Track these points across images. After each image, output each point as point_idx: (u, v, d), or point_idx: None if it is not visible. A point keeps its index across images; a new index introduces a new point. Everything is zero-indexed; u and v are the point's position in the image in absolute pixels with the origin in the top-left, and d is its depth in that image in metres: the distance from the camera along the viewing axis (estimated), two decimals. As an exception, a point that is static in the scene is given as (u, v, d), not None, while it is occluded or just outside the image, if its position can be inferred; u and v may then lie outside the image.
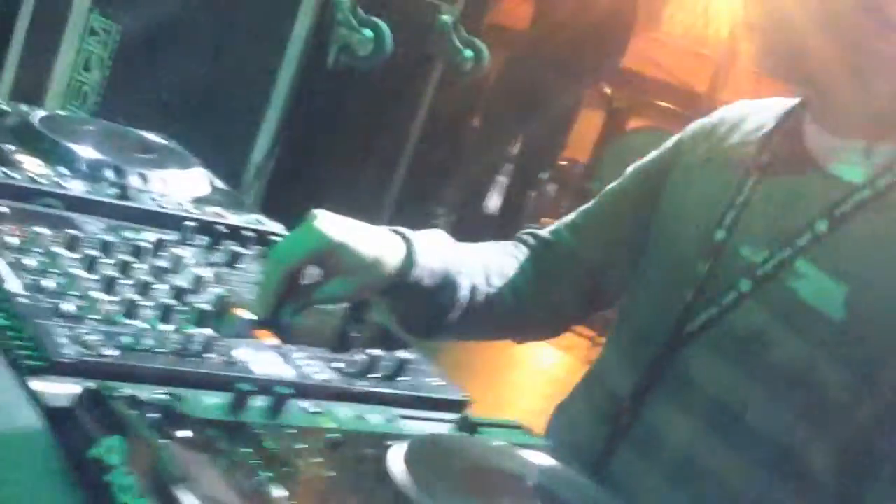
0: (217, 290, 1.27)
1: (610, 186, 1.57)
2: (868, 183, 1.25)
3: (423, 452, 0.99)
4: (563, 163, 5.77)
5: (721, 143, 1.44)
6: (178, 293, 1.22)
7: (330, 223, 1.27)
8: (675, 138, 1.53)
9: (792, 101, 1.42)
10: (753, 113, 1.45)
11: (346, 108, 2.81)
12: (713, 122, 1.48)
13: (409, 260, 1.32)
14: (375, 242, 1.31)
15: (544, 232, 1.57)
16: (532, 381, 3.89)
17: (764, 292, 1.28)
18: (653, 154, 1.55)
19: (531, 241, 1.56)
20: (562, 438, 1.44)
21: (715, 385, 1.30)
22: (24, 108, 1.71)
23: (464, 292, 1.39)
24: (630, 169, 1.56)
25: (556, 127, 5.34)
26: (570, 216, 1.57)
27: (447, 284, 1.37)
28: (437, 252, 1.37)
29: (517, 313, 1.50)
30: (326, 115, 2.80)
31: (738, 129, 1.43)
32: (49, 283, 1.15)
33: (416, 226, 1.50)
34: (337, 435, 1.03)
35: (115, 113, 2.62)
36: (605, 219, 1.54)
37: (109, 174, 1.53)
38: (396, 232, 1.36)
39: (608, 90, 5.62)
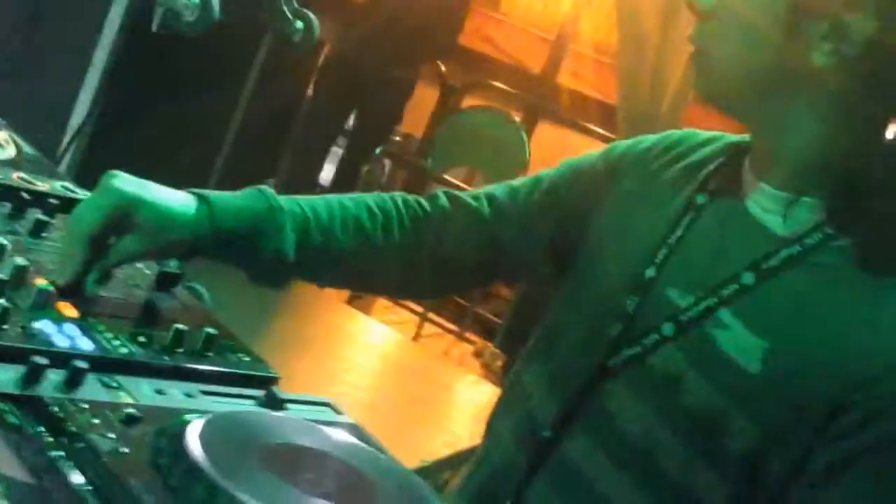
0: (18, 259, 1.22)
1: (542, 176, 1.52)
2: (797, 239, 1.25)
3: (222, 429, 0.97)
4: (398, 138, 5.78)
5: (662, 172, 1.41)
6: (-26, 262, 1.18)
7: (124, 181, 1.25)
8: (617, 150, 1.49)
9: (738, 139, 1.39)
10: (699, 146, 1.42)
11: (170, 74, 2.74)
12: (658, 146, 1.45)
13: (207, 213, 1.30)
14: (172, 198, 1.28)
15: (464, 195, 1.52)
16: (361, 355, 3.88)
17: (685, 338, 1.27)
18: (592, 158, 1.50)
19: (444, 200, 1.51)
20: (488, 454, 1.43)
21: (630, 423, 1.29)
22: None
23: (285, 250, 1.35)
24: (566, 165, 1.52)
25: (391, 102, 5.33)
26: (493, 189, 1.53)
27: (258, 247, 1.34)
28: (243, 217, 1.33)
29: (388, 270, 1.48)
30: (150, 80, 2.72)
31: (680, 161, 1.41)
32: None
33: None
34: (134, 410, 1.01)
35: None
36: (531, 207, 1.50)
37: None
38: (193, 192, 1.33)
39: (443, 67, 5.64)
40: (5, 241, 1.24)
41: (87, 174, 2.47)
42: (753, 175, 1.30)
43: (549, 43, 6.67)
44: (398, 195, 1.52)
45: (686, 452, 1.25)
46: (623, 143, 1.50)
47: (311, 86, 5.09)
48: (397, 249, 1.47)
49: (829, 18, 1.19)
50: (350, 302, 4.79)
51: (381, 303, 5.03)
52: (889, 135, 1.26)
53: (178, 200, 1.29)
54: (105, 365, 1.10)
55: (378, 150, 5.02)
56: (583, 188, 1.47)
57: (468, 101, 5.78)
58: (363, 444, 1.07)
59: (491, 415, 1.48)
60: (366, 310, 4.84)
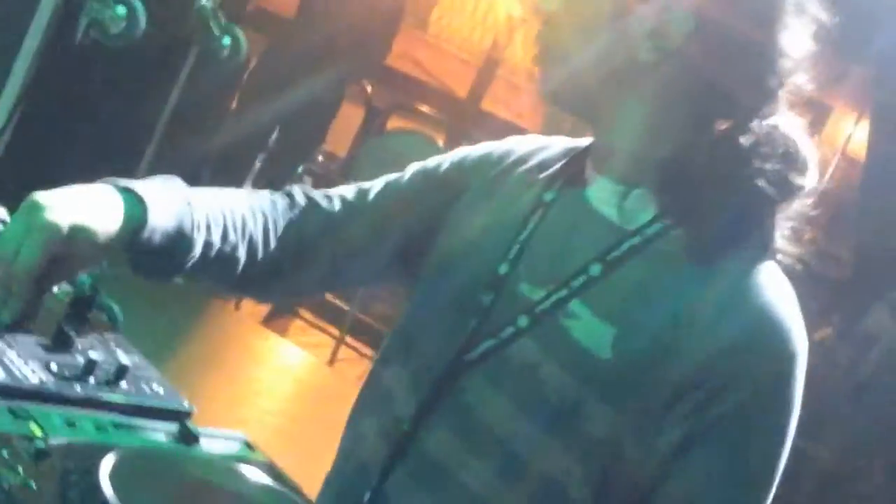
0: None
1: (391, 179, 1.55)
2: (639, 230, 1.32)
3: (133, 465, 0.95)
4: (320, 157, 5.75)
5: (508, 174, 1.47)
6: None
7: (53, 210, 1.20)
8: (459, 155, 1.54)
9: (580, 142, 1.46)
10: (542, 150, 1.49)
11: (92, 86, 2.69)
12: (502, 151, 1.51)
13: (139, 222, 1.26)
14: (104, 213, 1.24)
15: (317, 195, 1.53)
16: (274, 379, 3.84)
17: (539, 329, 1.32)
18: (438, 161, 1.55)
19: (300, 199, 1.52)
20: (350, 451, 1.43)
21: (489, 414, 1.33)
22: None
23: (197, 249, 1.34)
24: (414, 169, 1.55)
25: (315, 121, 5.30)
26: (344, 190, 1.55)
27: (179, 243, 1.32)
28: (170, 210, 1.30)
29: (257, 270, 1.46)
30: (70, 91, 2.67)
31: (525, 163, 1.47)
32: None
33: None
34: (43, 445, 0.98)
35: None
36: (379, 208, 1.52)
37: None
38: (127, 190, 1.27)
39: (369, 88, 5.64)
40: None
41: (4, 180, 2.41)
42: (594, 171, 1.37)
43: (474, 67, 6.71)
44: (266, 193, 1.53)
45: (545, 439, 1.30)
46: (465, 149, 1.55)
47: (236, 100, 5.05)
48: (271, 250, 1.47)
49: (651, 17, 1.29)
50: (266, 322, 4.75)
51: (298, 325, 4.99)
52: (717, 128, 1.33)
53: (107, 212, 1.24)
54: (14, 393, 1.07)
55: (300, 169, 4.99)
56: (431, 190, 1.52)
57: (393, 123, 5.78)
58: (277, 485, 1.05)
59: (351, 414, 1.50)
60: (281, 331, 4.80)
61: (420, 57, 6.92)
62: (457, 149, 1.56)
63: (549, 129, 5.33)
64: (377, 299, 4.91)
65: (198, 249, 1.34)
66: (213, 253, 1.37)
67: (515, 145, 1.51)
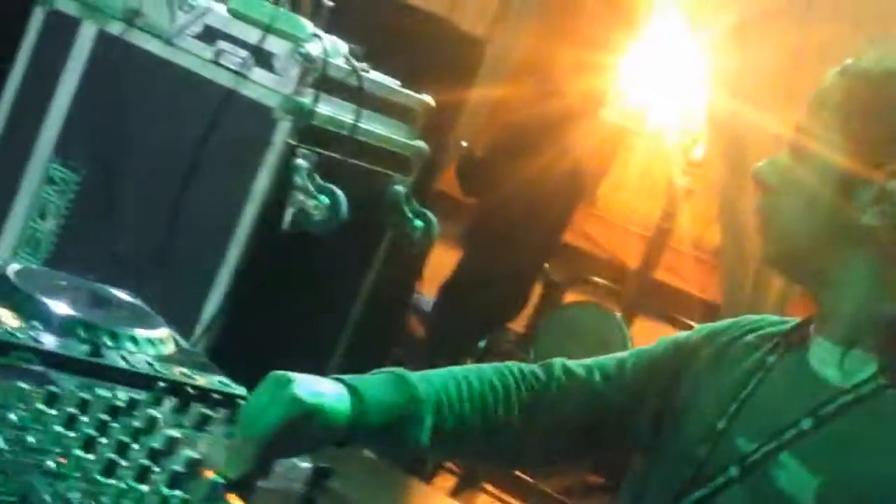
0: (188, 452, 1.29)
1: (644, 350, 1.65)
2: (853, 388, 1.37)
3: None
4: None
5: (737, 340, 1.56)
6: (153, 454, 1.25)
7: (301, 387, 1.33)
8: (707, 328, 1.64)
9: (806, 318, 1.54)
10: (768, 325, 1.57)
11: (297, 271, 2.86)
12: (725, 326, 1.61)
13: (359, 410, 1.39)
14: (331, 397, 1.36)
15: (575, 366, 1.62)
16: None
17: (749, 479, 1.40)
18: (685, 334, 1.65)
19: (558, 370, 1.61)
20: None
21: None
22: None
23: (423, 438, 1.45)
24: (665, 342, 1.65)
25: (509, 304, 5.33)
26: (603, 360, 1.64)
27: (409, 423, 1.43)
28: (388, 397, 1.43)
29: (503, 441, 1.56)
30: (278, 276, 2.84)
31: (755, 331, 1.56)
32: (31, 438, 1.17)
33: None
34: None
35: (67, 262, 2.64)
36: (638, 375, 1.62)
37: (80, 331, 1.56)
38: (347, 385, 1.40)
39: (546, 264, 5.74)
40: (178, 434, 1.32)
41: (216, 359, 2.55)
42: (815, 332, 1.45)
43: (644, 239, 6.76)
44: (514, 365, 1.62)
45: None
46: (709, 324, 1.65)
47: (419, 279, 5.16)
48: (515, 423, 1.56)
49: (876, 185, 1.34)
50: (454, 495, 4.77)
51: (484, 499, 5.00)
52: None
53: (335, 398, 1.38)
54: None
55: (482, 344, 5.06)
56: (678, 359, 1.61)
57: (569, 296, 5.84)
58: None
59: None
60: (469, 504, 4.82)
61: (590, 230, 7.03)
62: (702, 325, 1.66)
63: (729, 299, 5.23)
64: (561, 471, 4.89)
65: (424, 439, 1.45)
66: (447, 437, 1.48)
67: (739, 320, 1.61)
